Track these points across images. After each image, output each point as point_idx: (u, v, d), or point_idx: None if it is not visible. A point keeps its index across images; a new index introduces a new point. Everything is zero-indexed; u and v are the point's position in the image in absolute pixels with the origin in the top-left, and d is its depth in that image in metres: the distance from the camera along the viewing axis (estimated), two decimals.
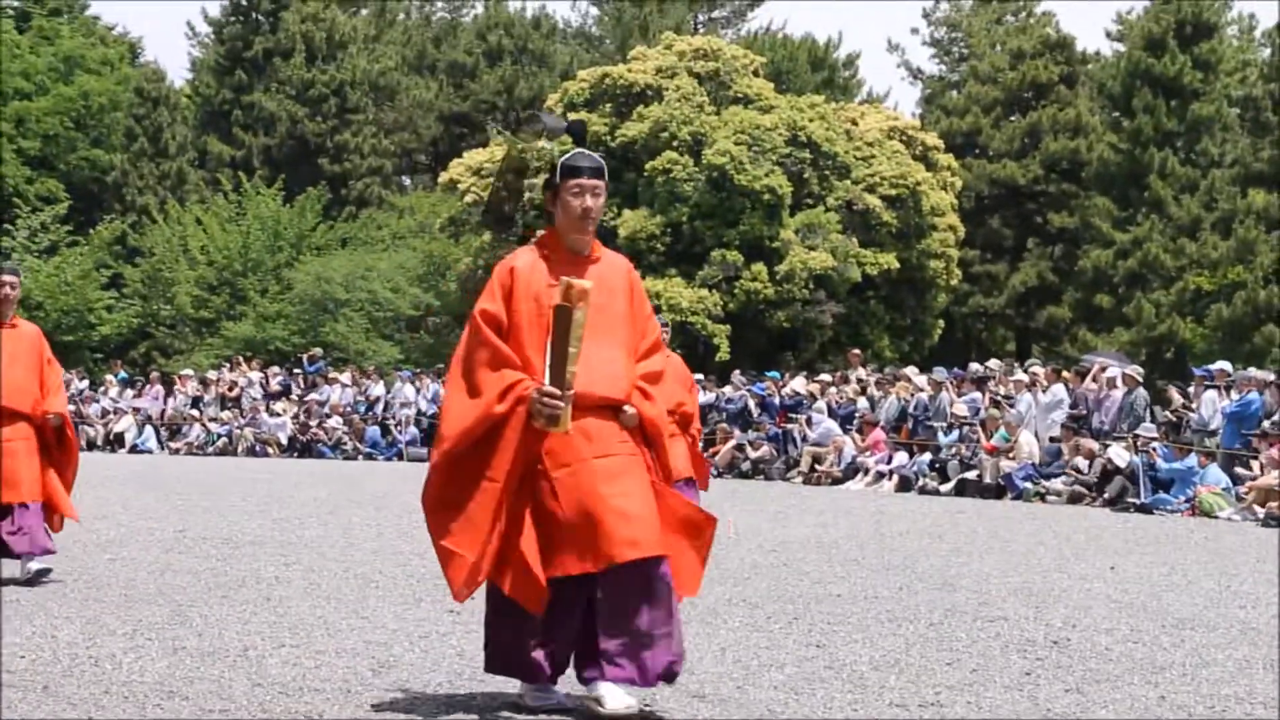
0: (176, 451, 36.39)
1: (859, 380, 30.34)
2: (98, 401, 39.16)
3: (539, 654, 6.50)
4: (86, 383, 41.03)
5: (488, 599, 6.66)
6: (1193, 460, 21.79)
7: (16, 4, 62.66)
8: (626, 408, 6.59)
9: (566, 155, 6.82)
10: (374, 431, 34.63)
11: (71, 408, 37.39)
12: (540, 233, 7.03)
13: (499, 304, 6.59)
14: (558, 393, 6.31)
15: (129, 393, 39.95)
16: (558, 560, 6.35)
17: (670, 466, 6.84)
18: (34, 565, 11.00)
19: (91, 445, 35.54)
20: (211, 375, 39.78)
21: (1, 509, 11.13)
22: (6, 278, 11.56)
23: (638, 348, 6.78)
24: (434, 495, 6.53)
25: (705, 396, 30.51)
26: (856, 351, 34.57)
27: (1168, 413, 24.99)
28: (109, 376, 41.10)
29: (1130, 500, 21.57)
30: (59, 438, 11.56)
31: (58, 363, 11.90)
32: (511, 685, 7.34)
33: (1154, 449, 22.13)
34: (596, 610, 6.37)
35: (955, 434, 25.84)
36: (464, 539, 6.41)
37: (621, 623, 6.31)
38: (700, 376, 31.65)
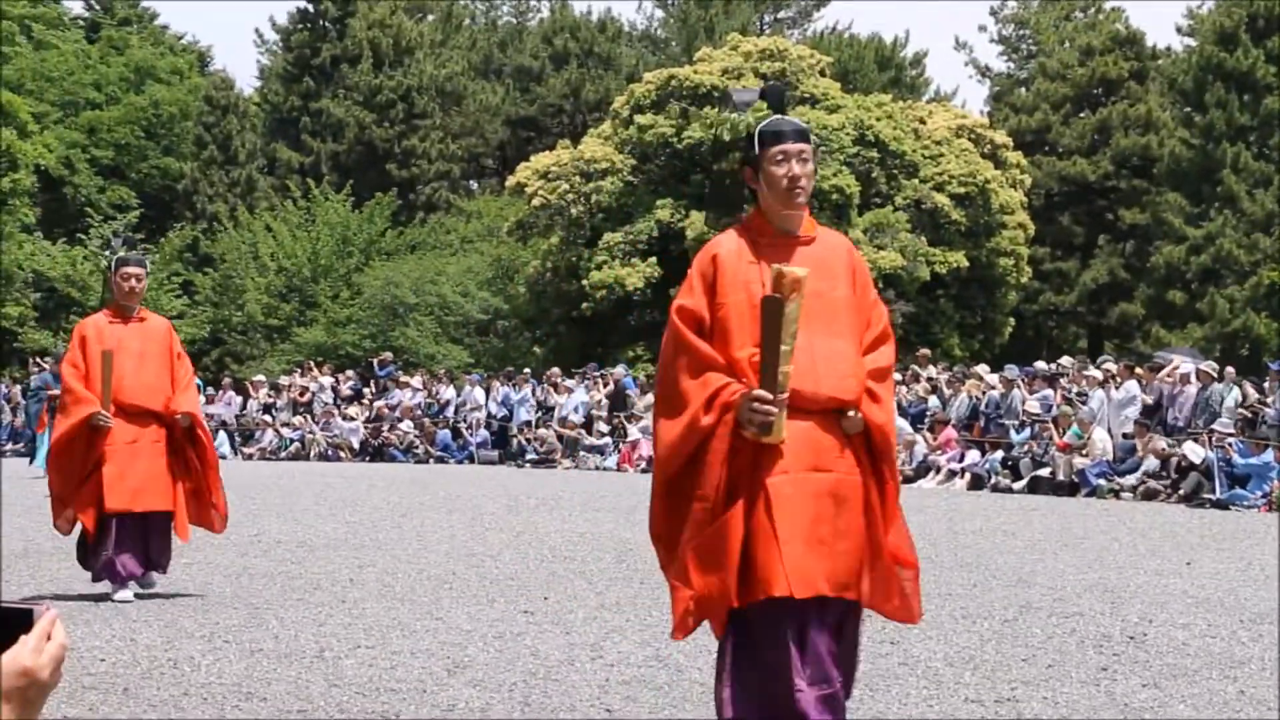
0: (250, 457, 36.58)
1: (929, 379, 30.23)
2: None
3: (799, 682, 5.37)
4: None
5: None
6: (1269, 455, 21.58)
7: (87, 15, 63.34)
8: (850, 412, 5.56)
9: (764, 122, 5.82)
10: (445, 435, 34.70)
11: None
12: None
13: (699, 298, 5.61)
14: (769, 397, 5.35)
15: (202, 399, 40.20)
16: (764, 578, 5.35)
17: (896, 481, 5.78)
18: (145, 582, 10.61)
19: None
20: (283, 381, 39.97)
21: (128, 524, 10.50)
22: (132, 269, 11.06)
23: (864, 339, 5.72)
24: (656, 525, 5.67)
25: None
26: (925, 351, 34.41)
27: (1243, 409, 24.79)
28: None
29: (1206, 496, 21.40)
30: (190, 439, 10.86)
31: (188, 358, 11.29)
32: (587, 685, 7.35)
33: (1230, 444, 21.96)
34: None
35: (1027, 431, 25.72)
36: (681, 573, 5.47)
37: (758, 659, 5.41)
38: None
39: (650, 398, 32.43)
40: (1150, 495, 22.33)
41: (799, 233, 5.71)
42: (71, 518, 10.60)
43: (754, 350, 5.45)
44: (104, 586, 10.56)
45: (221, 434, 37.63)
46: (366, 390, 38.69)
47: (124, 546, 10.48)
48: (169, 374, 10.86)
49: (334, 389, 38.46)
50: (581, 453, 31.69)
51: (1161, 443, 23.04)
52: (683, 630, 5.51)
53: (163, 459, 10.67)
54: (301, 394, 38.44)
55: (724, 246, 5.69)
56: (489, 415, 34.84)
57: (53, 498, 10.76)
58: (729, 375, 5.48)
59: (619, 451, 31.10)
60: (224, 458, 36.19)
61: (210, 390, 40.89)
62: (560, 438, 32.38)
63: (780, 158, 5.61)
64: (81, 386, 10.61)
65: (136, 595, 10.46)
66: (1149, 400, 25.18)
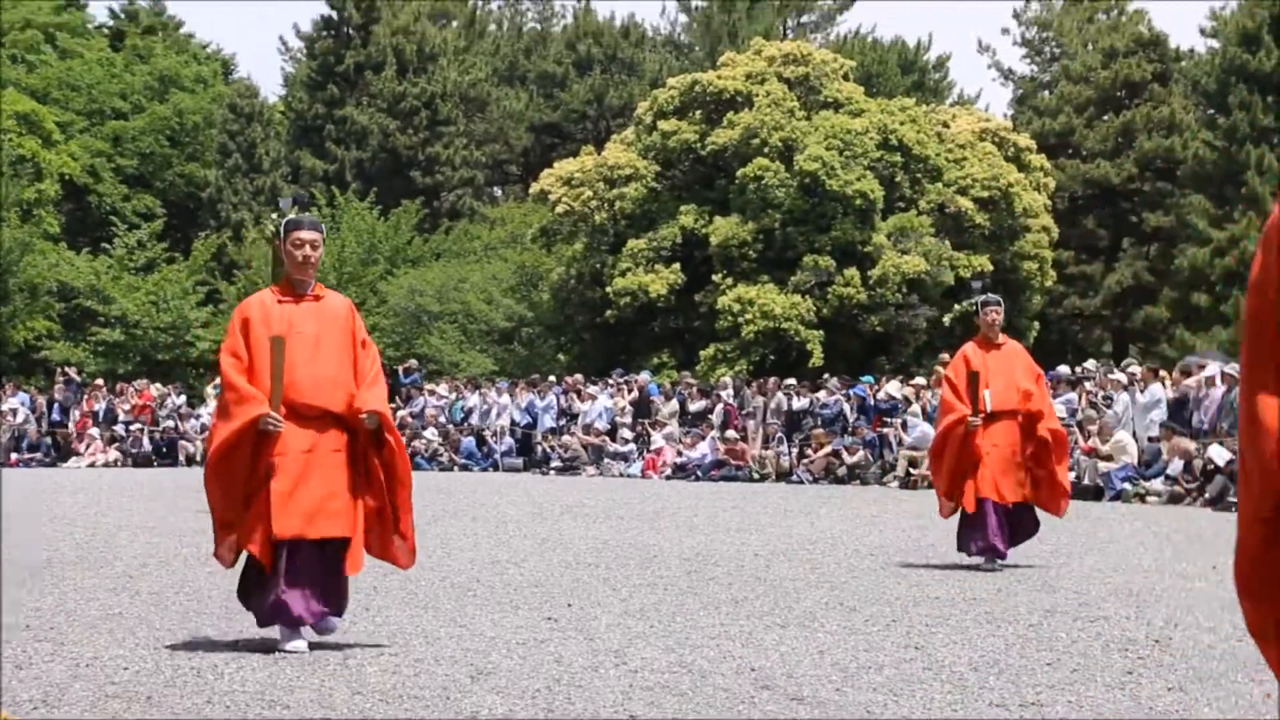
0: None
1: None
2: (197, 417, 39.43)
3: None
4: (184, 399, 41.35)
5: None
6: None
7: (111, 23, 63.60)
8: None
9: None
10: (469, 443, 34.73)
11: (170, 423, 38.21)
12: None
13: None
14: None
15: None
16: None
17: None
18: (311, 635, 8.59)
19: (191, 460, 35.86)
20: None
21: (303, 553, 8.48)
22: (306, 234, 8.80)
23: None
24: (1250, 570, 2.99)
25: (800, 401, 30.46)
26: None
27: None
28: (208, 389, 41.43)
29: (1231, 500, 21.31)
30: (377, 445, 8.72)
31: (373, 345, 9.10)
32: (610, 692, 7.33)
33: None
34: None
35: None
36: None
37: None
38: (793, 381, 31.64)
39: (674, 404, 32.48)
40: (1176, 499, 22.27)
41: None
42: (236, 545, 8.59)
43: None
44: (271, 632, 8.67)
45: None
46: (397, 399, 38.69)
47: (297, 581, 8.46)
48: (351, 365, 8.77)
49: None
50: (606, 460, 31.71)
51: (1188, 445, 22.98)
52: None
53: (344, 472, 8.61)
54: None
55: None
56: (513, 423, 34.86)
57: (214, 522, 8.70)
58: None
59: (643, 458, 31.12)
60: None
61: None
62: (584, 445, 32.39)
63: None
64: (245, 382, 8.53)
65: (310, 644, 8.59)
66: (1171, 397, 25.12)
